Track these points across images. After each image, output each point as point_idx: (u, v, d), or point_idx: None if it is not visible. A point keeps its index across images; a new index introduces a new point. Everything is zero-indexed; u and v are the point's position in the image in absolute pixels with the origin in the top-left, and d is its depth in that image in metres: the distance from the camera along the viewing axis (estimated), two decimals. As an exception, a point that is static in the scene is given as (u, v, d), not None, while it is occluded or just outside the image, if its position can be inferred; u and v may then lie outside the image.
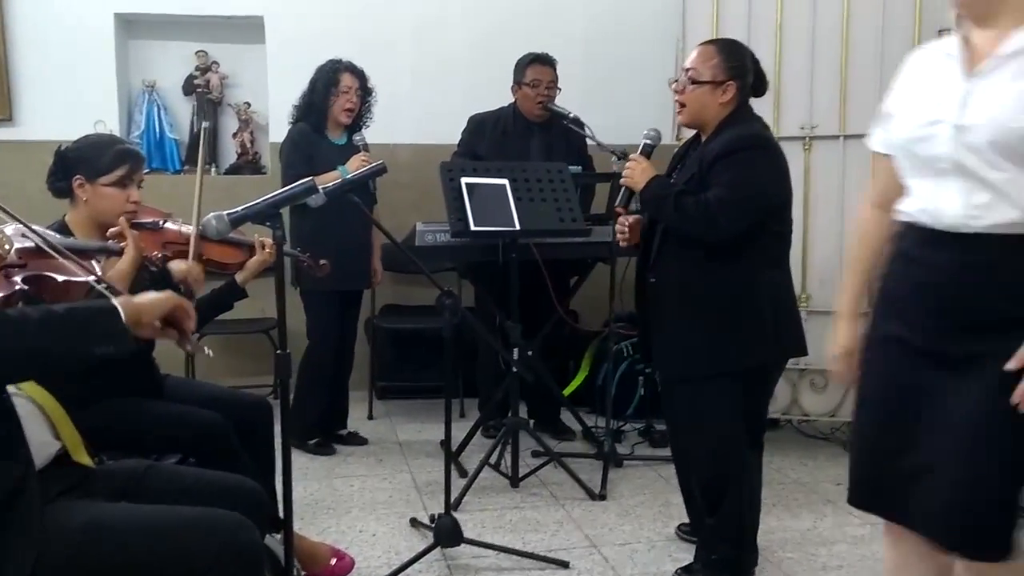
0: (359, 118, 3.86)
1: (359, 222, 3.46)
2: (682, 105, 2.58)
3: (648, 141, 2.74)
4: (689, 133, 2.77)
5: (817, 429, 4.15)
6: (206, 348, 1.79)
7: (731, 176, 2.41)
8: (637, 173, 2.60)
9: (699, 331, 2.50)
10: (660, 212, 2.55)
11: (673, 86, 2.63)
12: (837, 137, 3.65)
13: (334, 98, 3.75)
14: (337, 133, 3.84)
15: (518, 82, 4.02)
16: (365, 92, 3.85)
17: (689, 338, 2.52)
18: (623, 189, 2.69)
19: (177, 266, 2.47)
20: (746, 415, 2.55)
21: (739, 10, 3.83)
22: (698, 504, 2.70)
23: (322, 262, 3.07)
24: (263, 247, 2.63)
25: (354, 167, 3.64)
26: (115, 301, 1.51)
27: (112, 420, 2.30)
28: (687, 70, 2.56)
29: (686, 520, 2.97)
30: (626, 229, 2.74)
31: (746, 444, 2.59)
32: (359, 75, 3.82)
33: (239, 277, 2.78)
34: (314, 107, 3.78)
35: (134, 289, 1.90)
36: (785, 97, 3.78)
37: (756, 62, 2.61)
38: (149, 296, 1.57)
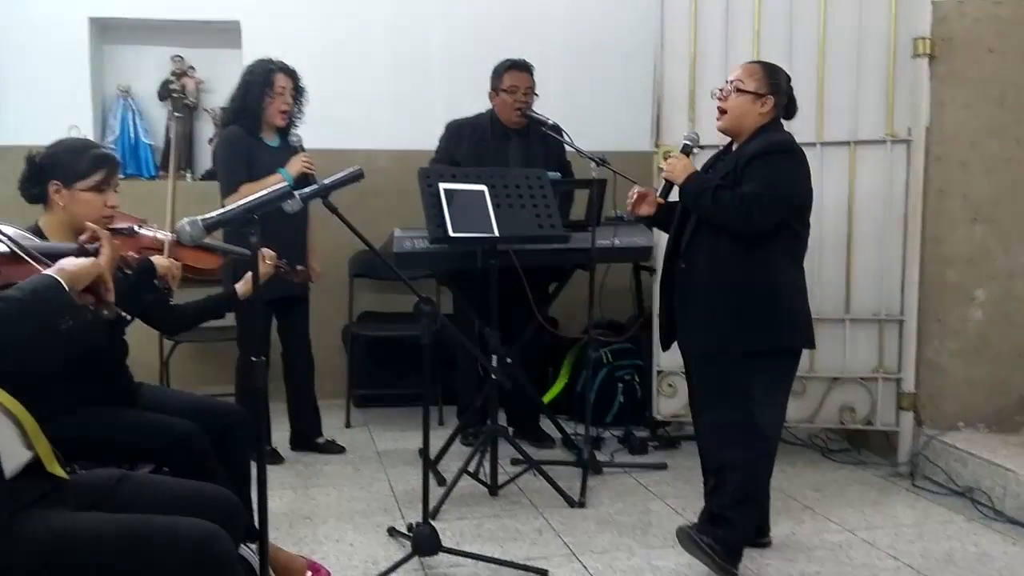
0: (292, 119, 3.81)
1: (289, 225, 3.27)
2: (722, 112, 2.85)
3: (688, 142, 2.96)
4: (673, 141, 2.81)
5: (795, 435, 4.16)
6: (125, 315, 1.82)
7: (765, 174, 2.67)
8: (678, 168, 2.82)
9: (725, 312, 2.73)
10: (698, 204, 2.77)
11: (717, 94, 2.88)
12: (814, 144, 3.66)
13: (269, 99, 3.69)
14: (271, 135, 3.79)
15: (495, 88, 4.01)
16: (298, 92, 3.80)
17: (715, 317, 2.75)
18: (663, 182, 2.92)
19: (159, 261, 2.45)
20: (763, 396, 2.75)
21: (717, 20, 3.85)
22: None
23: (299, 268, 3.04)
24: (263, 259, 2.62)
25: (296, 169, 3.62)
26: (51, 271, 1.55)
27: (85, 429, 2.26)
28: (731, 81, 2.84)
29: (664, 526, 2.96)
30: (635, 195, 2.97)
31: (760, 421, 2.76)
32: (292, 75, 3.76)
33: (240, 289, 2.78)
34: (247, 109, 3.71)
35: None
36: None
37: (791, 87, 2.87)
38: (77, 262, 1.62)
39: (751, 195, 2.65)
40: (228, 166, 3.70)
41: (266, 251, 2.76)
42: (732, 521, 2.70)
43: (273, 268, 2.85)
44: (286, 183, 3.45)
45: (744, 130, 2.82)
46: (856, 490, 3.56)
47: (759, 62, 2.93)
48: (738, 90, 2.81)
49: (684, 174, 2.79)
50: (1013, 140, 3.63)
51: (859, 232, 3.77)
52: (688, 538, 2.69)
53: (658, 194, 2.95)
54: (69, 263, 1.60)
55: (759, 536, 2.96)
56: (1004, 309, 3.69)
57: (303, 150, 3.71)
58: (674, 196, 2.94)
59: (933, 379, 3.75)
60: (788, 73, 2.89)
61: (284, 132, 3.80)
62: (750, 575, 2.77)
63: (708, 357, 2.81)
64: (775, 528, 3.07)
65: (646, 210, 2.98)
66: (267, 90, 3.69)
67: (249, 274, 2.65)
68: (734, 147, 2.89)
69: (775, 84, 2.82)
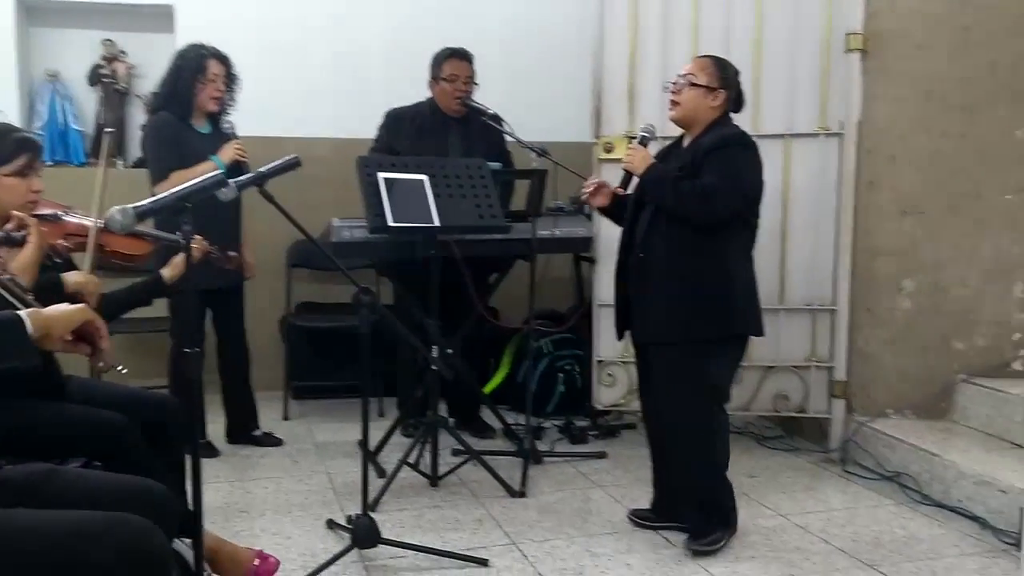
0: (223, 106, 3.73)
1: (220, 214, 3.17)
2: (675, 104, 2.92)
3: (645, 134, 3.00)
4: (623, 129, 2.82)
5: (730, 423, 4.21)
6: (119, 366, 1.73)
7: (723, 166, 2.76)
8: (638, 159, 2.89)
9: (682, 301, 2.82)
10: (658, 194, 2.85)
11: (669, 87, 2.95)
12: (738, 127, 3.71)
13: (200, 86, 3.62)
14: (202, 122, 3.72)
15: (435, 77, 3.99)
16: (231, 79, 3.73)
17: (673, 307, 2.83)
18: (623, 173, 2.96)
19: (72, 278, 2.37)
20: (718, 377, 2.92)
21: (655, 13, 3.88)
22: (666, 481, 3.01)
23: (231, 254, 2.99)
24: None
25: (228, 156, 3.55)
26: (22, 313, 1.44)
27: (11, 423, 2.20)
28: (684, 75, 2.91)
29: (603, 514, 2.99)
30: (593, 185, 3.05)
31: (719, 400, 2.94)
32: (225, 62, 3.69)
33: (166, 273, 2.71)
34: (178, 95, 3.63)
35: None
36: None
37: (739, 81, 2.97)
38: (60, 309, 1.52)
39: (710, 186, 2.74)
40: (158, 152, 3.61)
41: (196, 236, 2.70)
42: (717, 496, 2.91)
43: (201, 254, 2.79)
44: (218, 171, 3.40)
45: (697, 122, 2.91)
46: (789, 476, 3.64)
47: (711, 56, 2.99)
48: (691, 84, 2.88)
49: (644, 165, 2.87)
50: (940, 134, 3.73)
51: (793, 224, 3.84)
52: (700, 552, 2.84)
53: (618, 184, 3.00)
54: (53, 308, 1.52)
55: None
56: (931, 299, 3.80)
57: (236, 137, 3.64)
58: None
59: (863, 367, 3.84)
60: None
61: (215, 119, 3.73)
62: (686, 561, 2.81)
63: (667, 345, 2.88)
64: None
65: (601, 201, 3.06)
66: (199, 76, 3.61)
67: (175, 258, 2.60)
68: (685, 140, 2.98)
69: (725, 79, 2.91)
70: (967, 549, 2.91)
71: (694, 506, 2.93)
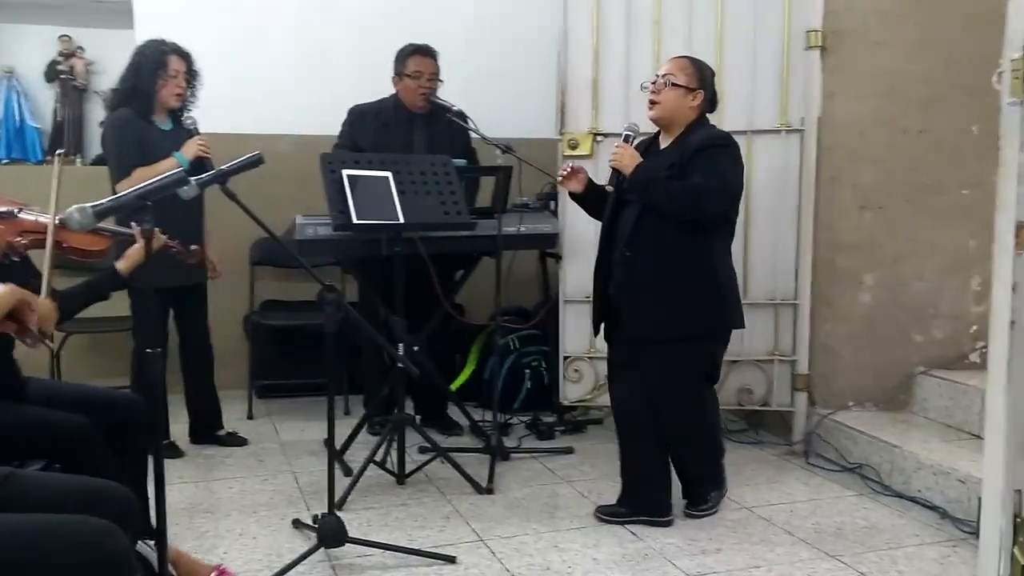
0: (185, 102, 3.70)
1: (186, 212, 3.20)
2: (654, 103, 2.99)
3: (629, 132, 3.05)
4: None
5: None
6: (47, 342, 1.71)
7: (711, 166, 2.85)
8: (626, 158, 2.94)
9: (675, 299, 2.93)
10: (649, 192, 2.91)
11: (648, 87, 3.01)
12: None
13: (162, 82, 3.58)
14: (163, 118, 3.68)
15: (399, 73, 3.97)
16: (192, 75, 3.69)
17: (666, 305, 2.94)
18: (612, 171, 2.99)
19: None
20: (710, 365, 3.11)
21: (619, 10, 3.89)
22: (634, 476, 3.12)
23: (193, 247, 2.96)
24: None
25: (191, 152, 3.53)
26: None
27: (-33, 426, 2.16)
28: (663, 75, 2.98)
29: (570, 509, 3.01)
30: (568, 168, 3.13)
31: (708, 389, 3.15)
32: (186, 57, 3.66)
33: (121, 266, 2.66)
34: (139, 92, 3.59)
35: None
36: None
37: (714, 82, 3.07)
38: None
39: (700, 186, 2.83)
40: (119, 149, 3.56)
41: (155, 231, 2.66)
42: (715, 473, 3.18)
43: (158, 246, 2.75)
44: (181, 167, 3.37)
45: (676, 122, 3.00)
46: (754, 469, 3.68)
47: (688, 57, 3.07)
48: (672, 84, 2.96)
49: (633, 163, 2.92)
50: (899, 131, 3.79)
51: (755, 219, 3.88)
52: (698, 516, 3.11)
53: (607, 183, 3.03)
54: None
55: (662, 514, 3.07)
56: (891, 293, 3.85)
57: (198, 133, 3.61)
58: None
59: (825, 361, 3.89)
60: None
61: (177, 115, 3.69)
62: (652, 554, 2.83)
63: (660, 342, 2.96)
64: (676, 508, 3.16)
65: (574, 186, 3.14)
66: (160, 72, 3.57)
67: (130, 251, 2.56)
68: (662, 140, 3.07)
69: (703, 79, 3.00)
70: (927, 538, 2.97)
71: (692, 480, 3.15)
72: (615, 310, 3.07)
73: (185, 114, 3.67)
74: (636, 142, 3.08)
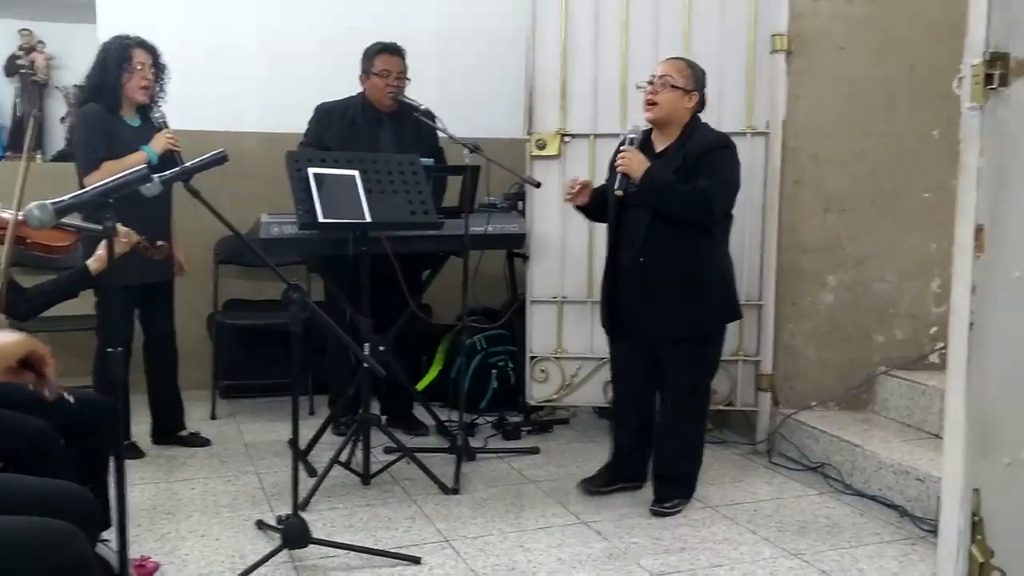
0: (153, 97, 3.67)
1: (153, 208, 3.15)
2: (651, 104, 3.06)
3: (634, 136, 3.12)
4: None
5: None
6: (67, 395, 1.68)
7: (717, 170, 2.98)
8: (635, 163, 3.00)
9: (691, 300, 3.05)
10: (660, 196, 3.01)
11: (647, 87, 3.09)
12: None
13: (127, 75, 3.54)
14: (131, 114, 3.65)
15: (366, 71, 3.95)
16: (159, 69, 3.66)
17: (684, 306, 3.06)
18: (619, 176, 3.04)
19: None
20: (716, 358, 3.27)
21: (587, 12, 3.91)
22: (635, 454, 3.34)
23: (159, 243, 2.92)
24: (119, 237, 2.49)
25: (160, 146, 3.50)
26: None
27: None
28: (661, 76, 3.06)
29: (536, 509, 3.07)
30: (578, 185, 3.21)
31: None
32: (151, 51, 3.62)
33: (92, 265, 2.63)
34: (106, 87, 3.55)
35: None
36: (634, 95, 3.86)
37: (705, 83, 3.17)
38: (1, 343, 1.47)
39: (709, 189, 2.95)
40: (88, 143, 3.51)
41: (122, 228, 2.63)
42: (691, 472, 3.26)
43: (129, 246, 2.72)
44: (149, 161, 3.33)
45: (672, 123, 3.09)
46: (718, 468, 3.71)
47: (683, 59, 3.18)
48: (671, 86, 3.05)
49: (642, 168, 2.99)
50: (861, 134, 3.84)
51: (721, 220, 3.91)
52: (664, 514, 3.13)
53: (616, 187, 3.06)
54: None
55: (635, 479, 3.35)
56: (853, 294, 3.91)
57: (167, 127, 3.57)
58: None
59: (788, 361, 3.94)
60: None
61: (145, 112, 3.65)
62: (617, 554, 2.84)
63: (676, 342, 3.11)
64: (640, 507, 3.18)
65: (582, 200, 3.23)
66: (125, 65, 3.53)
67: (101, 250, 2.53)
68: (656, 141, 3.15)
69: (698, 80, 3.11)
70: (887, 537, 3.01)
71: (670, 477, 3.23)
72: (626, 312, 3.19)
73: (154, 109, 3.63)
74: (635, 144, 3.12)
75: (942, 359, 3.72)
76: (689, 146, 3.04)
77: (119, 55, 3.53)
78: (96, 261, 2.68)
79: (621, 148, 3.08)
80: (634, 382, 3.31)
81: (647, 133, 3.19)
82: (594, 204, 3.25)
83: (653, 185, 2.99)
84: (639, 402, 3.34)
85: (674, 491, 3.21)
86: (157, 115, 3.61)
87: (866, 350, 3.91)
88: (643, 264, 3.07)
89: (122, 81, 3.54)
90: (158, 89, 3.67)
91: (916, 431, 3.61)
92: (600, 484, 3.34)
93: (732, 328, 3.90)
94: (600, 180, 3.43)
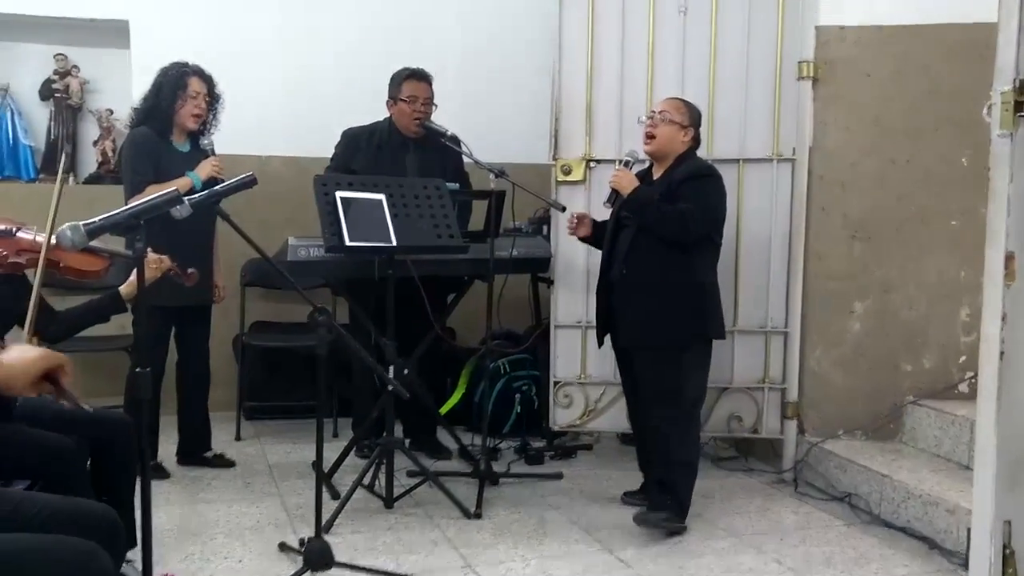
0: (205, 124, 3.72)
1: (197, 234, 3.24)
2: (650, 137, 3.28)
3: (628, 158, 3.34)
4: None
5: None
6: (85, 404, 1.70)
7: (697, 194, 3.16)
8: (625, 181, 3.23)
9: (662, 310, 3.18)
10: (644, 213, 3.21)
11: (645, 121, 3.33)
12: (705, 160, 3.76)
13: (181, 103, 3.61)
14: (182, 139, 3.70)
15: (394, 97, 3.98)
16: (213, 98, 3.72)
17: (654, 315, 3.19)
18: (611, 191, 3.29)
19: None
20: (693, 375, 3.27)
21: (613, 39, 3.92)
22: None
23: (190, 270, 2.95)
24: (149, 264, 2.53)
25: (205, 172, 3.54)
26: None
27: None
28: (659, 112, 3.30)
29: (559, 535, 2.99)
30: (575, 221, 3.50)
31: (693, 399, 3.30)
32: (207, 80, 3.68)
33: (124, 290, 2.67)
34: (159, 112, 3.61)
35: None
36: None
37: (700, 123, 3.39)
38: (20, 360, 1.51)
39: (687, 211, 3.12)
40: (134, 166, 3.57)
41: (153, 255, 2.67)
42: (677, 483, 3.20)
43: (159, 272, 2.76)
44: (193, 188, 3.38)
45: (668, 155, 3.29)
46: (743, 497, 3.67)
47: (680, 99, 3.39)
48: (669, 121, 3.26)
49: (631, 186, 3.22)
50: (888, 161, 3.82)
51: (746, 247, 3.90)
52: (645, 520, 3.15)
53: (605, 201, 3.33)
54: (13, 359, 1.51)
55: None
56: (879, 321, 3.87)
57: (214, 155, 3.64)
58: (602, 214, 3.46)
59: (815, 388, 3.90)
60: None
61: (196, 138, 3.70)
62: (642, 582, 2.82)
63: (649, 349, 3.23)
64: (665, 534, 3.15)
65: (584, 231, 3.50)
66: (180, 92, 3.59)
67: (134, 276, 2.56)
68: (655, 171, 3.35)
69: (694, 118, 3.33)
70: (916, 569, 2.96)
71: (657, 481, 3.27)
72: (615, 325, 3.37)
73: (205, 136, 3.69)
74: (634, 170, 3.33)
75: (972, 389, 3.67)
76: (675, 173, 3.24)
77: (175, 81, 3.60)
78: (128, 286, 2.71)
79: (616, 168, 3.31)
80: (632, 395, 3.48)
81: (651, 166, 3.40)
82: (596, 235, 3.50)
83: (636, 198, 3.20)
84: (635, 416, 3.54)
85: (661, 500, 3.20)
86: (206, 142, 3.66)
87: (893, 378, 3.87)
88: (624, 276, 3.27)
89: (175, 107, 3.60)
90: (211, 117, 3.73)
91: (945, 461, 3.55)
92: (637, 499, 3.47)
93: (757, 355, 3.91)
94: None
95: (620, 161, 3.35)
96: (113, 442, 2.49)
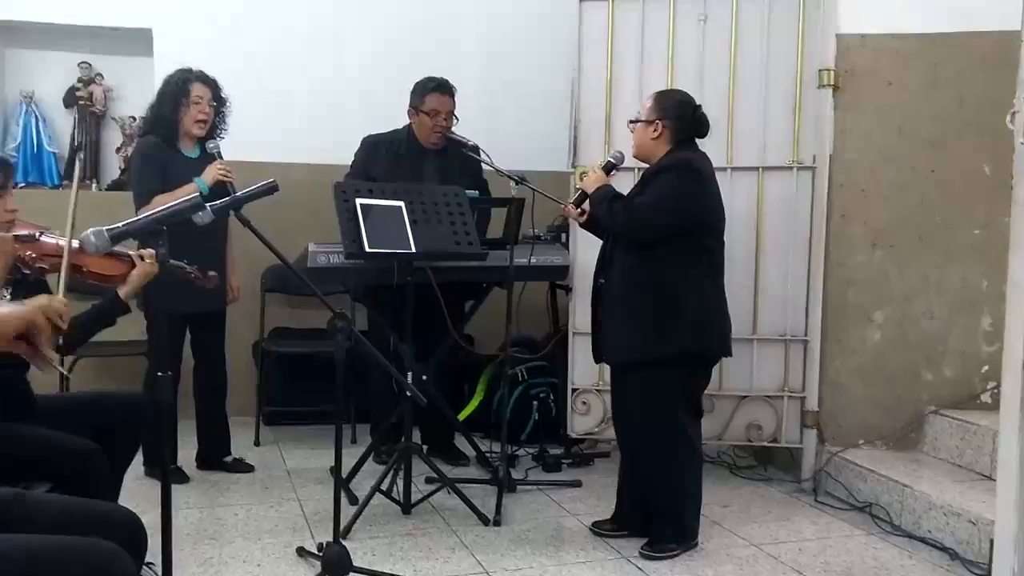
0: (212, 129, 3.73)
1: (210, 236, 3.24)
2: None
3: (611, 160, 3.23)
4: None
5: (704, 452, 4.23)
6: (58, 365, 1.71)
7: (655, 188, 2.99)
8: (591, 181, 3.15)
9: (632, 324, 3.02)
10: (599, 211, 3.10)
11: (631, 127, 3.18)
12: (725, 169, 3.76)
13: (184, 109, 3.63)
14: (189, 146, 3.72)
15: (416, 107, 3.99)
16: (218, 102, 3.73)
17: (625, 329, 3.04)
18: (579, 191, 3.22)
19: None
20: (683, 398, 3.08)
21: (632, 47, 3.93)
22: (630, 495, 3.19)
23: (211, 274, 2.96)
24: (142, 258, 2.54)
25: (211, 177, 3.54)
26: None
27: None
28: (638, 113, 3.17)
29: (577, 543, 3.01)
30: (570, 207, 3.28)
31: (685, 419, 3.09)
32: (211, 85, 3.70)
33: (122, 291, 2.66)
34: (163, 119, 3.64)
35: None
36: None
37: (692, 107, 3.10)
38: (4, 310, 1.49)
39: (638, 205, 2.99)
40: (141, 175, 3.61)
41: (146, 252, 2.66)
42: (677, 511, 3.07)
43: (154, 266, 2.75)
44: (199, 193, 3.40)
45: (649, 155, 3.13)
46: (762, 506, 3.65)
47: (658, 91, 3.21)
48: (639, 120, 3.13)
49: (595, 185, 3.13)
50: (909, 168, 3.80)
51: (766, 255, 3.88)
52: (651, 557, 3.02)
53: (571, 200, 3.25)
54: None
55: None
56: (900, 330, 3.84)
57: (221, 159, 3.62)
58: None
59: (835, 398, 3.88)
60: (691, 95, 3.16)
61: (204, 143, 3.72)
62: (660, 590, 2.81)
63: (624, 365, 3.10)
64: (684, 544, 3.13)
65: (577, 215, 3.27)
66: (182, 99, 3.62)
67: (131, 275, 2.57)
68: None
69: (664, 108, 3.08)
70: (937, 580, 2.93)
71: (655, 515, 3.11)
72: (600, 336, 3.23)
73: (210, 141, 3.68)
74: (613, 168, 3.22)
75: (994, 399, 3.64)
76: (647, 170, 3.12)
77: (177, 88, 3.62)
78: (126, 286, 2.68)
79: (593, 169, 3.23)
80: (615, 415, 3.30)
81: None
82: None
83: (594, 197, 3.10)
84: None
85: (663, 533, 3.08)
86: (212, 146, 3.64)
87: (914, 388, 3.84)
88: (603, 286, 3.16)
89: (179, 114, 3.63)
90: (218, 121, 3.74)
91: (967, 472, 3.52)
92: (606, 528, 3.29)
93: (777, 363, 3.89)
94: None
95: (603, 162, 3.24)
96: (131, 418, 2.53)
